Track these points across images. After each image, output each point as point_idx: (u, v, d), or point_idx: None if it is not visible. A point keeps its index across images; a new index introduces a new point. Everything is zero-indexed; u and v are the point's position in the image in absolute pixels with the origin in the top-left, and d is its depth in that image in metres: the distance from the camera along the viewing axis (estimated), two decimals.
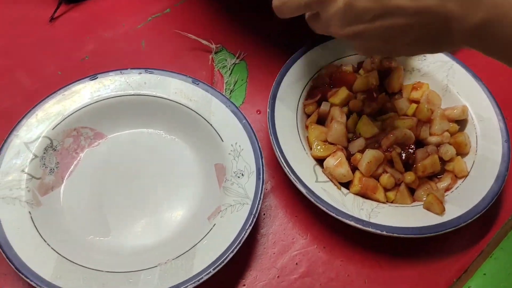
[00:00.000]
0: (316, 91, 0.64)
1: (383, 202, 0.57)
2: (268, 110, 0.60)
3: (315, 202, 0.55)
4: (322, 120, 0.63)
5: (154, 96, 0.62)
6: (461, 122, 0.64)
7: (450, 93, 0.66)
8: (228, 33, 0.76)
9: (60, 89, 0.61)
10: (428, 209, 0.56)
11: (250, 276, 0.55)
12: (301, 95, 0.64)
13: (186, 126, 0.62)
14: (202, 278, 0.50)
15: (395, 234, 0.53)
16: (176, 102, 0.62)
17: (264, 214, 0.60)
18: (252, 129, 0.60)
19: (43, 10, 0.76)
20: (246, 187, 0.56)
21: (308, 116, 0.63)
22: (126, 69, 0.63)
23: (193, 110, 0.62)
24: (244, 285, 0.54)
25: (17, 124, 0.57)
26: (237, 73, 0.66)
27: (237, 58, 0.73)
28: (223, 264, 0.51)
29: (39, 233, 0.52)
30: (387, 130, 0.60)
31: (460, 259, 0.58)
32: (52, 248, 0.51)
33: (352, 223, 0.54)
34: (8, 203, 0.53)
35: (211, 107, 0.62)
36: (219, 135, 0.60)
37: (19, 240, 0.51)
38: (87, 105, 0.61)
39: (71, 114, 0.59)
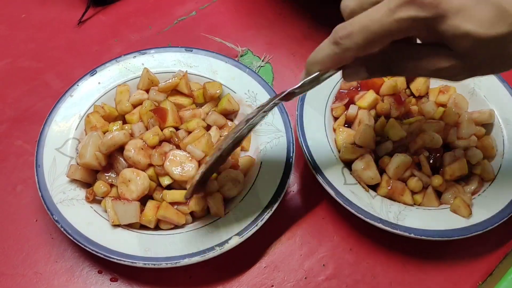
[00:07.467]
0: (344, 94, 0.64)
1: (410, 205, 0.57)
2: (296, 112, 0.61)
3: (344, 205, 0.55)
4: (349, 123, 0.64)
5: (156, 74, 0.64)
6: (488, 126, 0.64)
7: (477, 96, 0.66)
8: (254, 36, 0.77)
9: (66, 91, 0.62)
10: (455, 212, 0.56)
11: (278, 277, 0.56)
12: (328, 98, 0.64)
13: None
14: (273, 207, 0.54)
15: (423, 237, 0.54)
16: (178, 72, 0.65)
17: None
18: (258, 75, 0.64)
19: (71, 14, 0.78)
20: (275, 123, 0.61)
21: (336, 119, 0.64)
22: (120, 56, 0.65)
23: (197, 75, 0.64)
24: (273, 285, 0.55)
25: (41, 134, 0.58)
26: (263, 76, 0.67)
27: (263, 61, 0.74)
28: (285, 190, 0.55)
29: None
30: (415, 134, 0.60)
31: (485, 262, 0.58)
32: (127, 229, 0.53)
33: (380, 225, 0.54)
34: (68, 205, 0.54)
35: (212, 67, 0.65)
36: (229, 88, 0.64)
37: (96, 233, 0.52)
38: (97, 100, 0.62)
39: (85, 113, 0.61)
